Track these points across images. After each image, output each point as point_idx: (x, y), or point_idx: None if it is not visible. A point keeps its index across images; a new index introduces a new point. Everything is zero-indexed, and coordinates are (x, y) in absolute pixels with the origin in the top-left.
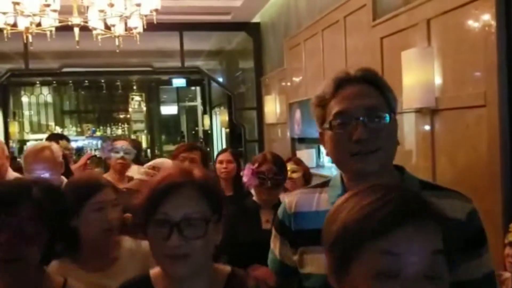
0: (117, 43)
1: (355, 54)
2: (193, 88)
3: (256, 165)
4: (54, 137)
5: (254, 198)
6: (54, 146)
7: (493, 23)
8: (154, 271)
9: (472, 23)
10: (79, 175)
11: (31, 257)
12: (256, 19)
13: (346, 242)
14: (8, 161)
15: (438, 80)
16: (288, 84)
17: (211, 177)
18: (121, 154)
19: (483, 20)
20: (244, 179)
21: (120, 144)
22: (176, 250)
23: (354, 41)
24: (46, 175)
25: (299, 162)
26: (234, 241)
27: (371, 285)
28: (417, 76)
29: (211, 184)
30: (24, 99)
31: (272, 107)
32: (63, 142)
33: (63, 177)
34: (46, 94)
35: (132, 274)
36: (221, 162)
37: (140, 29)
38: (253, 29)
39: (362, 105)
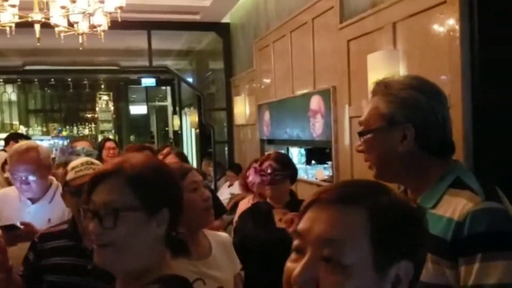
0: (80, 40)
1: (323, 56)
2: (163, 88)
3: (259, 163)
4: (14, 136)
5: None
6: (42, 147)
7: (457, 27)
8: None
9: (437, 27)
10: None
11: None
12: (225, 20)
13: None
14: None
15: None
16: (258, 85)
17: (150, 170)
18: (81, 156)
19: (447, 24)
20: (249, 178)
21: (80, 145)
22: (96, 238)
23: (322, 43)
24: (30, 177)
25: None
26: (248, 242)
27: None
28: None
29: (143, 176)
30: None
31: (242, 108)
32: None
33: (52, 178)
34: (10, 92)
35: (225, 263)
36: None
37: (105, 27)
38: (222, 30)
39: None
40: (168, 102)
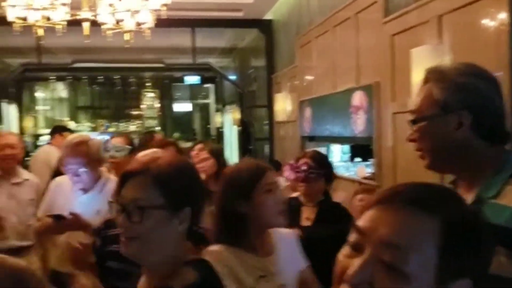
0: (126, 37)
1: (366, 52)
2: (206, 86)
3: (295, 160)
4: (58, 130)
5: (298, 196)
6: (92, 141)
7: (506, 20)
8: None
9: (485, 20)
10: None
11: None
12: (268, 16)
13: None
14: (22, 152)
15: None
16: (299, 82)
17: (175, 171)
18: (111, 152)
19: (495, 17)
20: (284, 174)
21: (114, 142)
22: (123, 231)
23: (365, 38)
24: (80, 169)
25: None
26: None
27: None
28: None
29: (168, 176)
30: (39, 94)
31: (283, 105)
32: (66, 134)
33: (102, 169)
34: (60, 90)
35: (289, 260)
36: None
37: (150, 25)
38: (265, 26)
39: None
40: (211, 100)
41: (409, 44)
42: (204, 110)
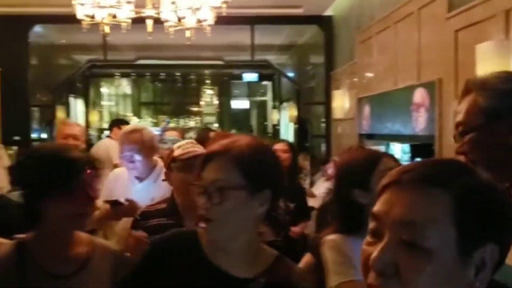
0: (187, 35)
1: (428, 48)
2: (264, 83)
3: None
4: (117, 123)
5: None
6: (146, 129)
7: None
8: None
9: None
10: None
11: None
12: (328, 12)
13: None
14: (83, 144)
15: None
16: (358, 78)
17: (256, 152)
18: (169, 144)
19: None
20: (328, 171)
21: (169, 135)
22: (204, 212)
23: (428, 34)
24: (135, 156)
25: None
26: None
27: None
28: (493, 71)
29: (250, 157)
30: (104, 90)
31: (341, 102)
32: (124, 127)
33: (157, 159)
34: (124, 86)
35: None
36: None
37: (210, 22)
38: (325, 23)
39: None
40: (268, 97)
41: (473, 40)
42: (261, 107)
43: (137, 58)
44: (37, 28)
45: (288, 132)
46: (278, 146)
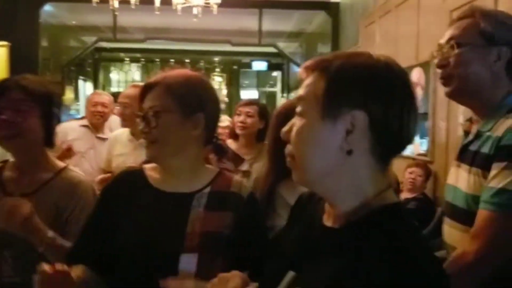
0: (195, 11)
1: (425, 29)
2: (273, 74)
3: None
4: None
5: None
6: None
7: None
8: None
9: None
10: None
11: (30, 133)
12: None
13: None
14: (111, 113)
15: None
16: None
17: (186, 80)
18: None
19: None
20: None
21: None
22: (145, 136)
23: (426, 16)
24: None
25: None
26: None
27: None
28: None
29: (180, 83)
30: (113, 76)
31: None
32: None
33: None
34: (134, 71)
35: None
36: (239, 114)
37: (218, 0)
38: (332, 9)
39: None
40: (278, 88)
41: None
42: (270, 97)
43: (146, 38)
44: (48, 7)
45: None
46: (242, 109)
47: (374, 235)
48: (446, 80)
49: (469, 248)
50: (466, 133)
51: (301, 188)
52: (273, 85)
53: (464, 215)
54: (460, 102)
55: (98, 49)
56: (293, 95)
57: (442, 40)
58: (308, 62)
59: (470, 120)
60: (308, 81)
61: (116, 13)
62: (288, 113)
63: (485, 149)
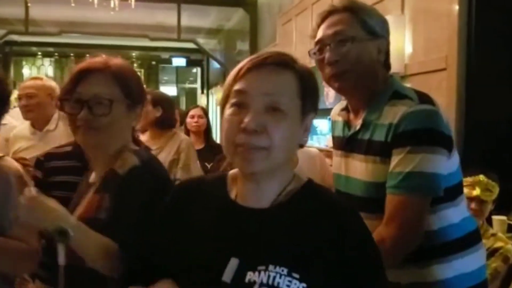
0: (112, 5)
1: None
2: (193, 71)
3: None
4: None
5: None
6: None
7: None
8: None
9: None
10: None
11: None
12: None
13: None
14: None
15: (408, 47)
16: None
17: (131, 71)
18: None
19: None
20: None
21: None
22: (84, 123)
23: None
24: None
25: None
26: None
27: (229, 113)
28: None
29: (125, 73)
30: (25, 71)
31: None
32: None
33: None
34: (47, 66)
35: None
36: (192, 116)
37: None
38: (250, 6)
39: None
40: (198, 84)
41: None
42: (190, 94)
43: (60, 31)
44: None
45: (216, 116)
46: (194, 112)
47: (311, 204)
48: (339, 76)
49: (385, 234)
50: (346, 122)
51: None
52: (193, 82)
53: (364, 203)
54: (347, 95)
55: (8, 43)
56: (213, 91)
57: (321, 37)
58: (268, 60)
59: (346, 110)
60: (277, 78)
61: (29, 4)
62: None
63: (379, 137)
